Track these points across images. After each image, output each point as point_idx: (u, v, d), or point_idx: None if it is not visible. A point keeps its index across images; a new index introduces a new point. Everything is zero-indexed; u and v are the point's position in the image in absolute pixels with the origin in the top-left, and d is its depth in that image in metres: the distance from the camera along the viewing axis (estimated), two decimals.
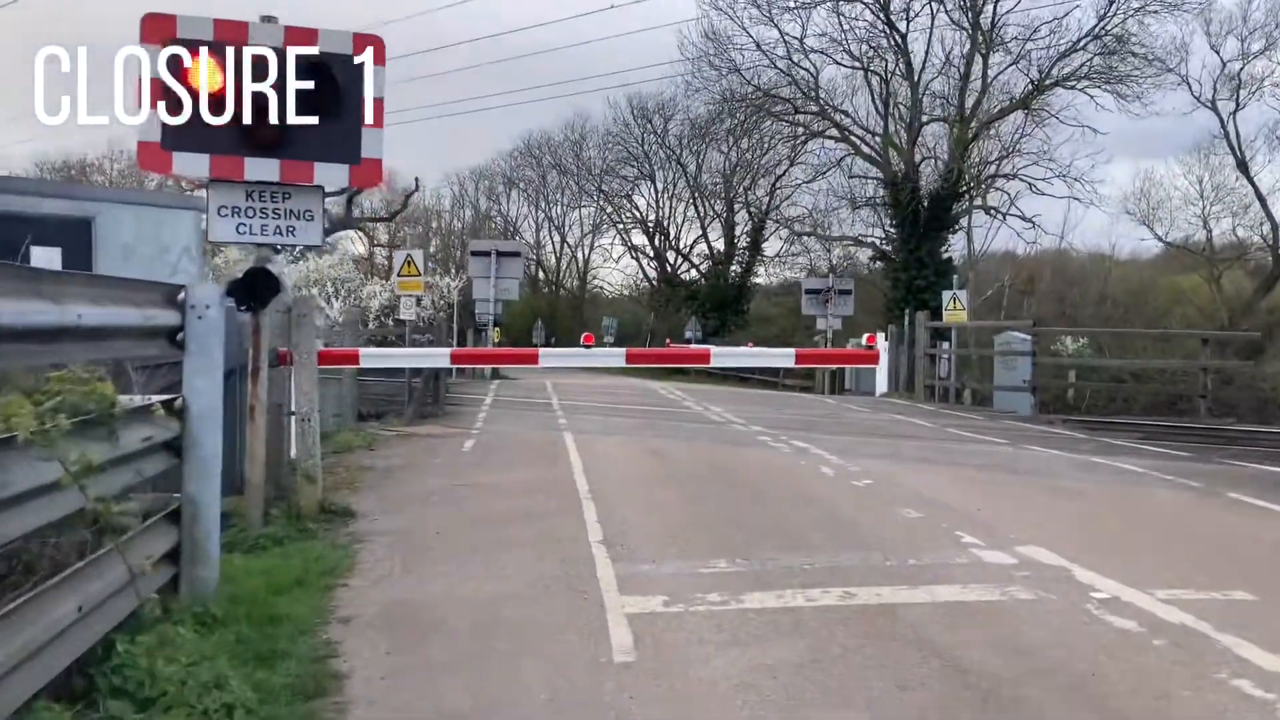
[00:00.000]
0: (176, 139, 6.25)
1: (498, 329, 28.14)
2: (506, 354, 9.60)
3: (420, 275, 15.70)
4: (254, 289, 6.39)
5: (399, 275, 15.73)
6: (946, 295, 23.04)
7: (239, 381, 7.21)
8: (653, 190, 54.37)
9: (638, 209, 56.32)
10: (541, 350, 7.67)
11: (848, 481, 9.05)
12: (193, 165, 6.39)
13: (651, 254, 57.17)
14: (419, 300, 19.00)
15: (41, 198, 11.29)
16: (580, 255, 66.49)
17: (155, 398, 5.11)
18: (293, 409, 7.34)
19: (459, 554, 6.19)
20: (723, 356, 8.42)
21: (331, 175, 6.68)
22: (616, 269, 63.68)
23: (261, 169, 6.46)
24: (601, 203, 59.30)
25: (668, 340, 43.02)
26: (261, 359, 6.75)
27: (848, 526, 7.12)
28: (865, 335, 8.23)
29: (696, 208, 52.43)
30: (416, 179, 53.54)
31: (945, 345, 23.27)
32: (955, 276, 28.27)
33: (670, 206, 54.82)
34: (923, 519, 7.31)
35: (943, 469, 10.27)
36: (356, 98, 6.50)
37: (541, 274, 66.94)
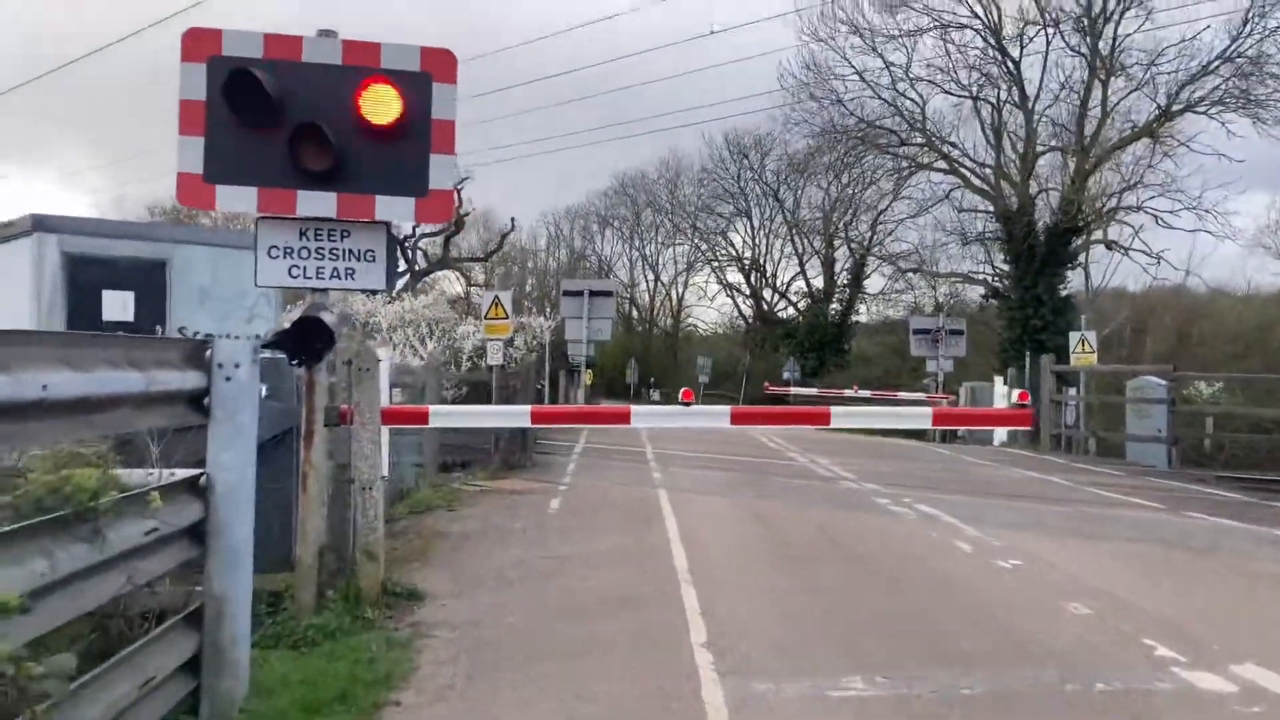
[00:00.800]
0: (220, 170, 5.47)
1: (590, 371, 27.32)
2: (594, 413, 8.57)
3: (508, 318, 14.92)
4: (305, 341, 5.53)
5: (485, 318, 14.94)
6: (1074, 337, 21.27)
7: (295, 443, 6.39)
8: (749, 227, 53.41)
9: (733, 246, 55.38)
10: (634, 409, 6.65)
11: (991, 561, 7.74)
12: (238, 199, 5.59)
13: (747, 291, 56.09)
14: (510, 342, 18.22)
15: (117, 239, 10.82)
16: (674, 293, 65.81)
17: (179, 472, 4.27)
18: (352, 475, 6.45)
19: (535, 660, 5.15)
20: (846, 416, 7.22)
21: (395, 209, 5.80)
22: (711, 307, 62.75)
23: (316, 203, 5.63)
24: (696, 240, 58.54)
25: (766, 384, 41.69)
26: (316, 419, 5.88)
27: (1004, 629, 5.84)
28: (1017, 392, 6.91)
29: (794, 244, 51.20)
30: (512, 219, 53.84)
31: (1071, 391, 21.46)
32: (1081, 316, 26.28)
33: (767, 243, 53.74)
34: (1095, 618, 6.00)
35: (1100, 544, 8.83)
36: (424, 121, 5.64)
37: (635, 312, 66.41)
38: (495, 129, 49.10)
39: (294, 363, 5.68)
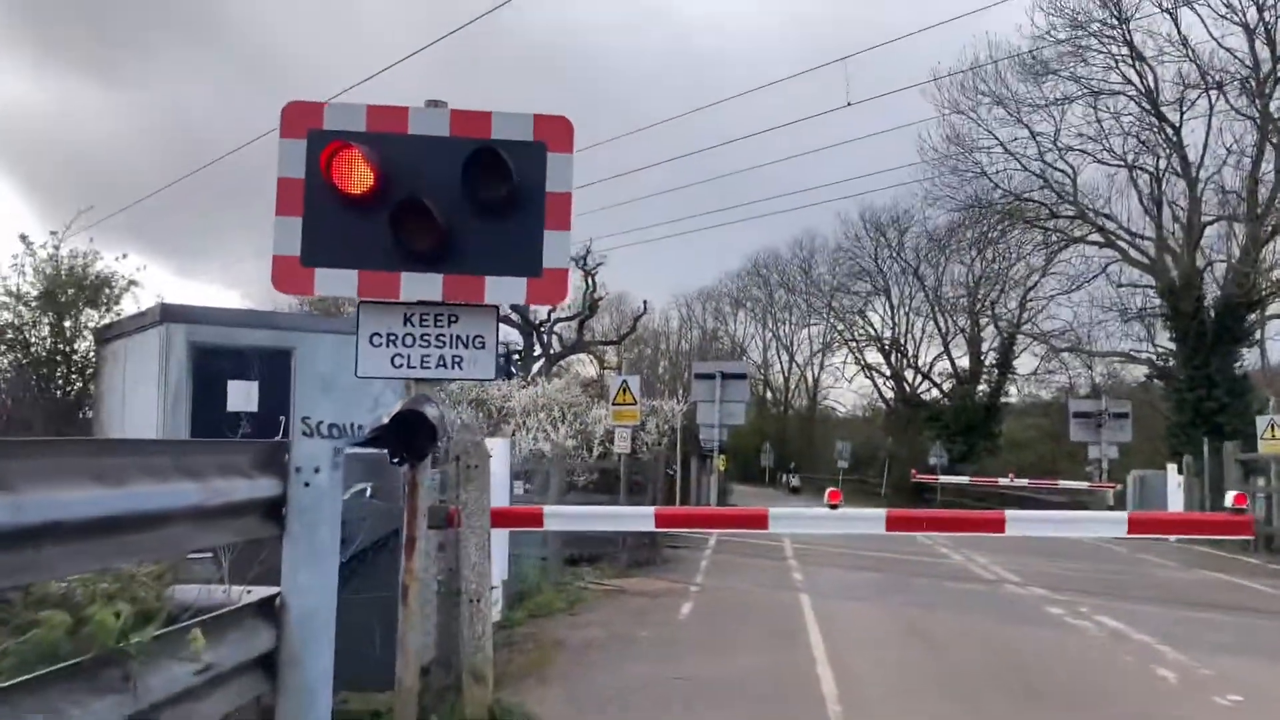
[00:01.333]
0: (319, 252, 5.03)
1: (723, 456, 26.42)
2: (726, 516, 7.70)
3: (635, 404, 14.31)
4: (406, 438, 4.97)
5: (613, 404, 14.37)
6: (1263, 421, 19.19)
7: (398, 548, 5.82)
8: (887, 305, 51.82)
9: (871, 326, 53.80)
10: (772, 513, 5.81)
11: (1206, 698, 6.45)
12: (338, 284, 5.13)
13: (887, 372, 54.20)
14: (641, 426, 17.56)
15: (243, 328, 10.75)
16: (809, 374, 64.41)
17: (250, 591, 3.70)
18: (459, 585, 5.82)
19: None
20: (1024, 524, 6.16)
21: (506, 291, 5.23)
22: (849, 389, 61.04)
23: (421, 286, 5.12)
24: (832, 320, 57.26)
25: (913, 471, 39.70)
26: (418, 524, 5.29)
27: None
28: (1232, 494, 5.76)
29: (937, 323, 49.25)
30: (645, 301, 53.97)
31: (1260, 482, 19.27)
32: (1264, 397, 23.89)
33: (907, 322, 51.96)
34: None
35: None
36: (538, 194, 5.09)
37: (770, 394, 65.18)
38: (626, 211, 49.59)
39: (394, 461, 5.13)
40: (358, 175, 4.90)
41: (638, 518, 5.63)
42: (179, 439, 9.23)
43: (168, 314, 10.12)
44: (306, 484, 3.67)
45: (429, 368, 5.29)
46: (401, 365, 5.29)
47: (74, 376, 12.04)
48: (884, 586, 11.59)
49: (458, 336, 5.31)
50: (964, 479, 35.01)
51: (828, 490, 6.44)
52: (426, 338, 5.28)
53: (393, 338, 5.27)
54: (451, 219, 5.01)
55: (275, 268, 5.03)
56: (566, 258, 5.27)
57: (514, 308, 46.87)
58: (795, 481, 45.86)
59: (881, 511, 5.95)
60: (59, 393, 11.89)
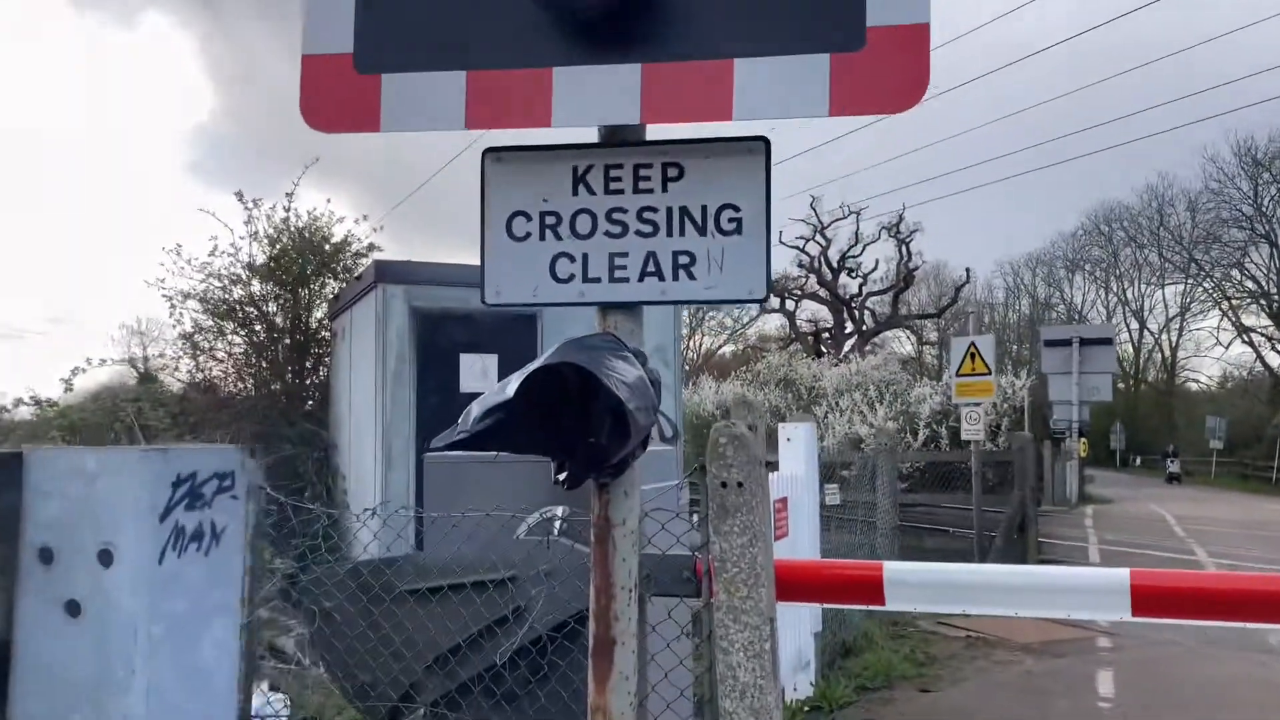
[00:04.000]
0: (390, 40, 2.42)
1: (1083, 440, 21.78)
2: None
3: (989, 374, 10.78)
4: (571, 429, 2.24)
5: (956, 374, 10.96)
6: None
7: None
8: (1275, 255, 42.94)
9: (1253, 281, 44.94)
10: None
11: None
12: (428, 101, 2.48)
13: (1275, 336, 45.09)
14: (995, 406, 13.99)
15: (475, 288, 8.59)
16: (1165, 342, 55.67)
17: None
18: (717, 697, 3.01)
19: None
20: None
21: (784, 88, 2.34)
22: (1211, 358, 51.91)
23: (597, 94, 2.38)
24: (1195, 276, 48.69)
25: None
26: (617, 609, 2.52)
27: None
28: None
29: None
30: (967, 269, 48.74)
31: None
32: None
33: None
34: None
35: None
36: None
37: (1120, 367, 57.01)
38: (944, 175, 44.51)
39: (559, 480, 2.39)
40: None
41: (1086, 591, 2.62)
42: None
43: (382, 273, 8.14)
44: None
45: (624, 280, 2.53)
46: (571, 278, 2.56)
47: (311, 356, 10.57)
48: None
49: (684, 213, 2.52)
50: None
51: None
52: (619, 218, 2.54)
53: (552, 220, 2.57)
54: None
55: (306, 80, 2.46)
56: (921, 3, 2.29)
57: (817, 278, 43.61)
58: (1174, 467, 38.54)
59: None
60: (293, 377, 10.48)
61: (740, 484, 2.78)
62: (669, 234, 2.48)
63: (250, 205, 10.76)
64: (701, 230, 2.47)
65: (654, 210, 2.49)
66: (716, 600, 2.79)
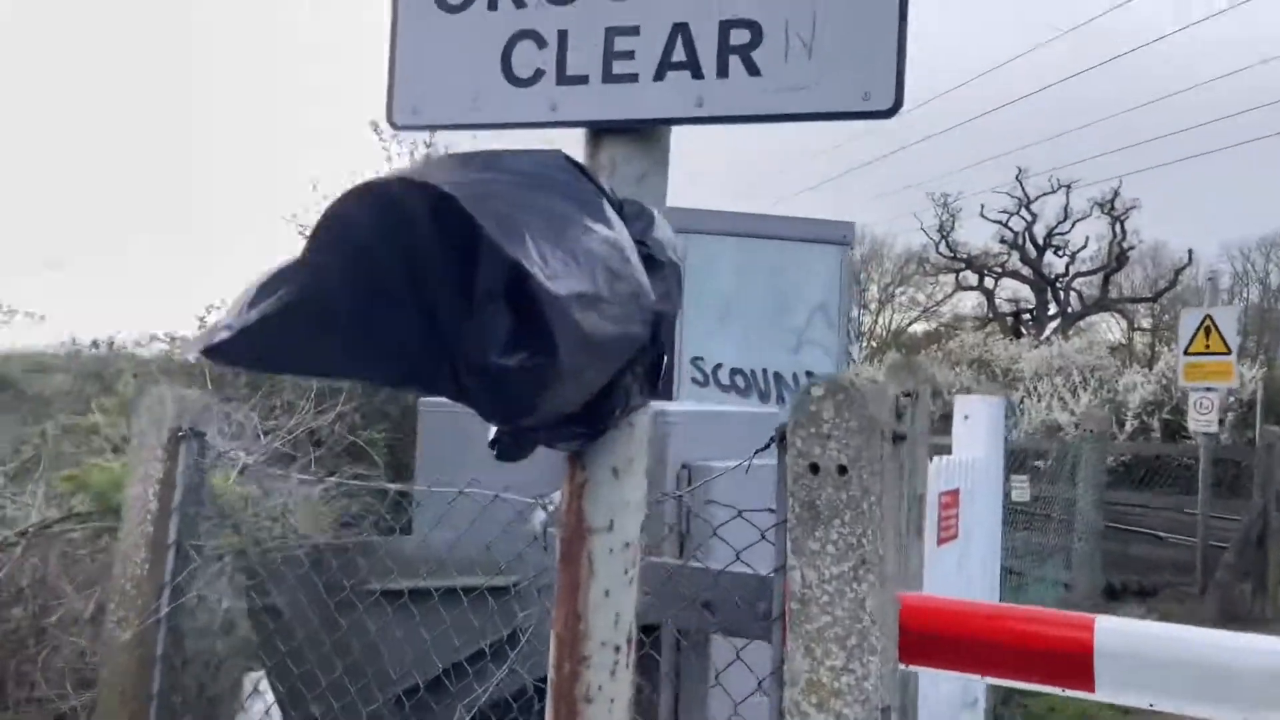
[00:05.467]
0: None
1: None
2: None
3: (1228, 354, 8.78)
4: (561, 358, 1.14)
5: (1185, 354, 9.00)
6: None
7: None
8: None
9: None
10: None
11: None
12: None
13: None
14: (1230, 394, 11.83)
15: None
16: None
17: None
18: None
19: None
20: None
21: None
22: None
23: None
24: None
25: None
26: (597, 669, 1.42)
27: None
28: None
29: None
30: (1190, 251, 43.93)
31: None
32: None
33: None
34: None
35: None
36: None
37: None
38: (1162, 149, 40.01)
39: (495, 447, 1.29)
40: None
41: None
42: None
43: None
44: None
45: (631, 78, 1.37)
46: (539, 75, 1.43)
47: None
48: None
49: None
50: None
51: None
52: None
53: None
54: None
55: None
56: None
57: (1022, 256, 40.46)
58: None
59: None
60: None
61: (843, 469, 1.58)
62: None
63: (386, 138, 10.23)
64: None
65: None
66: (790, 666, 1.61)
